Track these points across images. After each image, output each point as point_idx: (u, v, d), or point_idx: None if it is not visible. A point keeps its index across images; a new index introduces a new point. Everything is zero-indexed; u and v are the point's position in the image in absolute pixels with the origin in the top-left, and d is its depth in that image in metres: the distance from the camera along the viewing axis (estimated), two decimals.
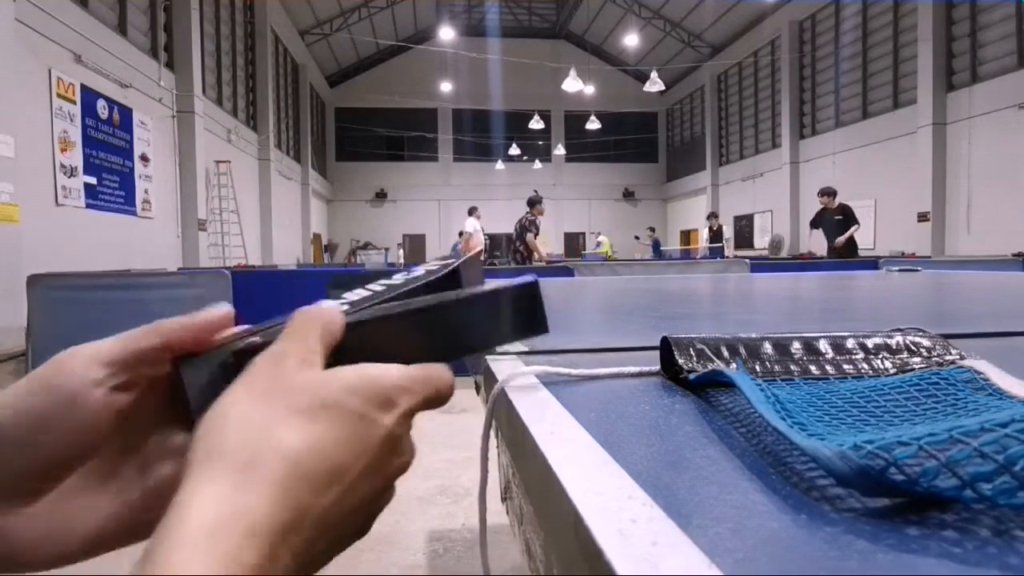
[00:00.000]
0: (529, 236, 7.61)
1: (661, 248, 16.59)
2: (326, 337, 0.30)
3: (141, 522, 0.32)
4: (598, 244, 16.07)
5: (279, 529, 0.23)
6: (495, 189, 23.72)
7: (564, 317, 1.00)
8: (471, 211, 9.28)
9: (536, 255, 7.80)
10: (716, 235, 12.16)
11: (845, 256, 7.47)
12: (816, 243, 8.55)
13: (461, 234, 9.88)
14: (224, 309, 0.32)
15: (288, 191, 17.21)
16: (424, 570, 2.06)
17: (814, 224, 8.15)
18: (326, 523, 0.26)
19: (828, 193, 7.87)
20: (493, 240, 15.10)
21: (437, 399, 0.31)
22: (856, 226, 7.63)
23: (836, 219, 7.76)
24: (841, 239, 7.55)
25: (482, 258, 8.72)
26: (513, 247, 7.92)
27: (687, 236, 21.55)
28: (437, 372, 0.31)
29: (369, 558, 2.12)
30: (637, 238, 18.12)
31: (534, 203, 7.83)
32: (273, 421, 0.25)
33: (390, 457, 0.28)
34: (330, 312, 0.31)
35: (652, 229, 17.32)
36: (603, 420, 0.35)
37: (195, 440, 0.25)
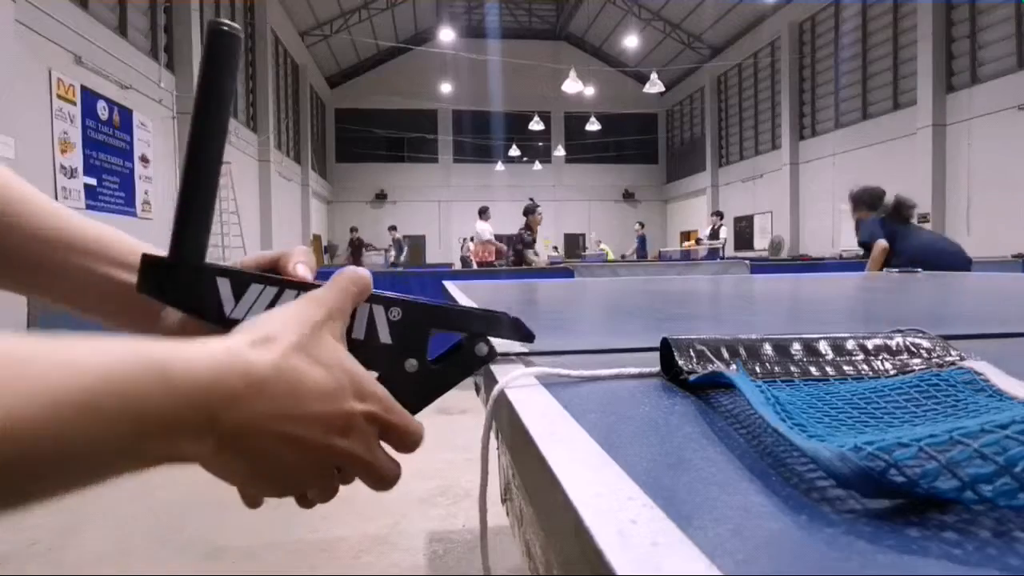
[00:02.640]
0: (529, 253, 7.68)
1: (646, 245, 16.02)
2: (358, 299, 0.40)
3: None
4: (601, 251, 16.13)
5: (258, 391, 0.32)
6: (495, 190, 23.71)
7: (564, 318, 1.00)
8: (481, 212, 9.03)
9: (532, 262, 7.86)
10: (715, 234, 12.18)
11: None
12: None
13: (472, 239, 9.66)
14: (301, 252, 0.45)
15: (288, 192, 17.21)
16: (424, 571, 2.06)
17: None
18: (273, 433, 0.33)
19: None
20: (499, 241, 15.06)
21: (401, 434, 0.38)
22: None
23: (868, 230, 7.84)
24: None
25: (498, 263, 8.66)
26: (513, 250, 7.97)
27: (687, 237, 21.59)
28: (413, 419, 0.39)
29: (369, 559, 2.12)
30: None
31: (530, 212, 7.79)
32: (293, 343, 0.35)
33: (340, 433, 0.35)
34: (366, 279, 0.41)
35: (641, 224, 16.89)
36: (603, 421, 0.35)
37: (238, 327, 0.36)
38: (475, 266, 8.96)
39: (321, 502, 0.39)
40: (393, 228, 16.39)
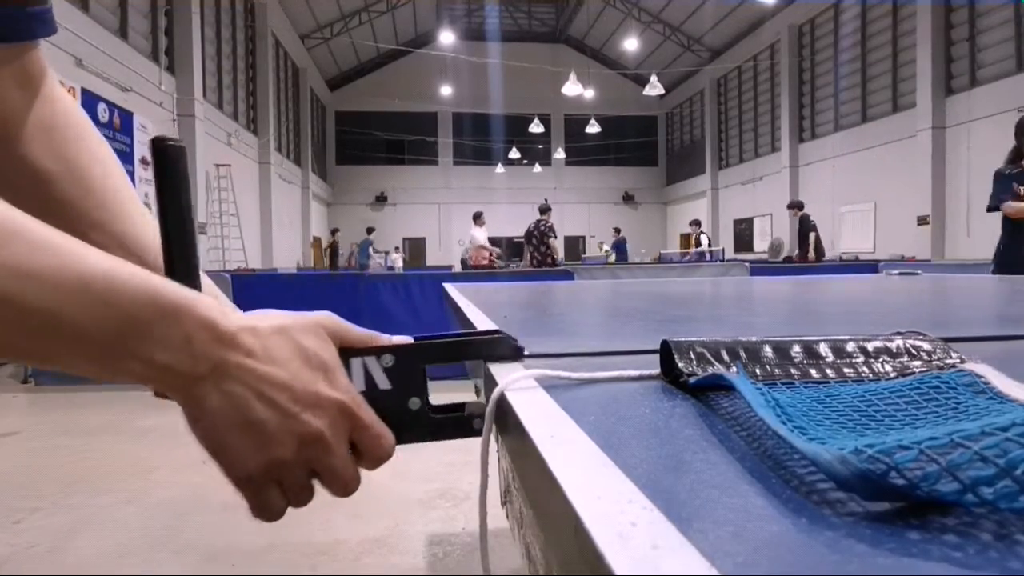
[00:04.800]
0: (553, 241, 8.37)
1: (626, 250, 15.62)
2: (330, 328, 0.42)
3: None
4: (604, 253, 16.10)
5: (236, 342, 0.36)
6: (495, 192, 23.74)
7: (564, 320, 1.00)
8: (476, 217, 9.51)
9: (558, 257, 8.53)
10: (698, 241, 12.52)
11: (814, 261, 8.72)
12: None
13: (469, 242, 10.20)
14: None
15: (288, 194, 17.22)
16: (424, 573, 2.06)
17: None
18: (246, 384, 0.36)
19: (791, 206, 9.46)
20: (494, 243, 15.21)
21: (372, 436, 0.40)
22: (812, 234, 8.94)
23: (798, 229, 9.22)
24: (808, 252, 8.90)
25: (498, 263, 9.15)
26: (531, 251, 8.38)
27: (687, 240, 21.59)
28: (384, 426, 0.41)
29: (369, 561, 2.12)
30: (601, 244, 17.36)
31: (547, 210, 8.58)
32: (277, 324, 0.39)
33: (308, 408, 0.37)
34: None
35: (617, 229, 16.55)
36: (603, 423, 0.35)
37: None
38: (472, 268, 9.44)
39: (294, 502, 0.39)
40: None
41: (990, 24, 11.06)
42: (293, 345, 0.38)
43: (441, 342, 0.46)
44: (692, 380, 0.41)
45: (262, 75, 15.16)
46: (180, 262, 0.41)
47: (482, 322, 0.86)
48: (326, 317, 0.41)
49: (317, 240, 20.21)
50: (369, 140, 23.65)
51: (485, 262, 9.29)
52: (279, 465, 0.37)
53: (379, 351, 0.43)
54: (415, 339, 0.46)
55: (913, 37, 12.47)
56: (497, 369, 0.45)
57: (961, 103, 11.56)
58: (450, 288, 1.56)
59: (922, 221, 12.14)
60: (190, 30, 10.67)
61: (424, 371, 0.44)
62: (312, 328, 0.40)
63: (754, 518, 0.22)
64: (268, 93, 15.24)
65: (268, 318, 0.39)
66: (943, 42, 11.87)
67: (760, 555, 0.19)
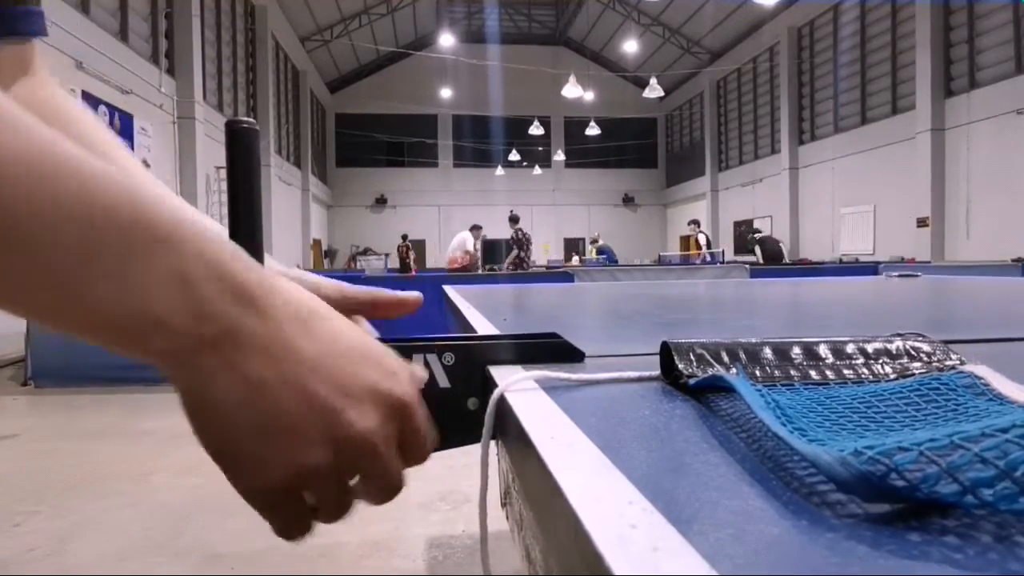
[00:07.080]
0: (531, 248, 9.29)
1: (614, 258, 14.91)
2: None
3: None
4: (591, 253, 16.11)
5: (269, 306, 0.28)
6: (495, 195, 23.72)
7: (564, 322, 1.00)
8: (473, 229, 10.17)
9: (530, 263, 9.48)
10: (708, 242, 12.46)
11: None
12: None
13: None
14: (415, 295, 0.43)
15: (288, 196, 17.22)
16: (424, 575, 2.06)
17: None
18: (276, 364, 0.27)
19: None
20: (494, 246, 15.34)
21: (420, 440, 0.34)
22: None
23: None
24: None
25: (488, 268, 9.76)
26: (520, 254, 9.15)
27: (686, 242, 21.59)
28: (433, 435, 0.36)
29: (369, 564, 2.12)
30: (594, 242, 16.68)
31: (518, 219, 9.43)
32: (317, 305, 0.32)
33: (354, 402, 0.29)
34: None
35: (595, 240, 15.78)
36: (603, 425, 0.35)
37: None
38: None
39: (326, 517, 0.33)
40: None
41: (989, 26, 11.07)
42: (343, 320, 0.31)
43: (505, 343, 0.46)
44: (692, 382, 0.41)
45: (262, 77, 15.16)
46: (248, 246, 0.39)
47: (483, 325, 0.86)
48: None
49: (317, 242, 20.19)
50: (369, 142, 23.64)
51: (457, 265, 9.89)
52: (310, 474, 0.28)
53: (441, 348, 0.43)
54: (471, 338, 0.46)
55: (912, 39, 12.48)
56: (497, 370, 0.45)
57: (960, 105, 11.56)
58: (450, 291, 1.56)
59: (922, 223, 12.14)
60: (190, 33, 10.68)
61: (484, 371, 0.44)
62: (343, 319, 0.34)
63: (754, 520, 0.22)
64: (268, 95, 15.24)
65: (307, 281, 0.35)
66: (942, 44, 11.88)
67: (760, 557, 0.19)
